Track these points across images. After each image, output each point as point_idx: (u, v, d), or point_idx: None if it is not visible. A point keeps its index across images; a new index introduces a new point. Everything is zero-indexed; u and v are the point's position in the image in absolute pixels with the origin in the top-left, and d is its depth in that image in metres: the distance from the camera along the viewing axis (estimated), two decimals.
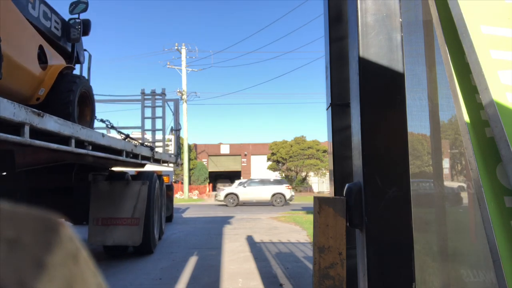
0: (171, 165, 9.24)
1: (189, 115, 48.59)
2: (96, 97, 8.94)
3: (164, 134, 9.27)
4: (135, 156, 5.81)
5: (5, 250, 0.23)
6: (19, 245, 0.24)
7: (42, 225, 0.26)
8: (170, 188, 10.86)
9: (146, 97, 9.27)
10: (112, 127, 6.22)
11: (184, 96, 29.22)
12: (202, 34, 67.08)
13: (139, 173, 6.98)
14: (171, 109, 9.74)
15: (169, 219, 10.91)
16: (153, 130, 9.23)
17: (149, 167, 9.18)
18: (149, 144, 8.58)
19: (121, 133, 6.41)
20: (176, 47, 30.46)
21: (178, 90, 29.26)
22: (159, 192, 7.44)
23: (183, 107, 29.16)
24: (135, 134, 9.49)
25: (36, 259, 0.24)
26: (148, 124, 9.28)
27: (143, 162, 6.33)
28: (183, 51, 30.56)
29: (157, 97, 9.26)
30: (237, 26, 67.71)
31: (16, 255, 0.24)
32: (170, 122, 10.26)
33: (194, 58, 32.13)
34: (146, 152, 6.39)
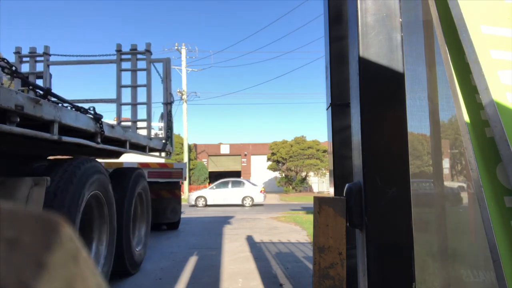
0: (152, 153, 6.30)
1: (189, 115, 48.63)
2: (52, 58, 6.11)
3: (149, 109, 6.23)
4: (43, 125, 2.93)
5: (5, 250, 0.23)
6: (19, 245, 0.24)
7: (42, 225, 0.26)
8: (177, 186, 8.77)
9: (123, 56, 6.20)
10: (12, 72, 2.96)
11: (184, 96, 29.23)
12: (202, 34, 67.14)
13: (52, 162, 3.75)
14: (159, 74, 6.47)
15: (175, 225, 9.27)
16: (134, 104, 6.19)
17: (138, 158, 7.04)
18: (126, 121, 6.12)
19: (28, 84, 3.73)
20: (176, 47, 30.46)
21: (178, 90, 29.27)
22: (111, 199, 4.24)
23: (183, 107, 29.18)
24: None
25: (36, 259, 0.24)
26: (126, 95, 6.22)
27: (70, 140, 3.26)
28: (183, 51, 30.56)
29: (139, 56, 6.21)
30: (237, 26, 67.77)
31: (16, 255, 0.24)
32: (159, 94, 6.80)
33: (194, 58, 32.25)
34: (77, 122, 3.29)
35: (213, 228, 10.02)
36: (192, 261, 5.87)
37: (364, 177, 1.35)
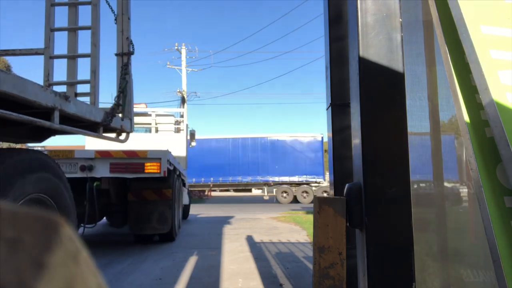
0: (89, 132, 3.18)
1: (189, 115, 48.57)
2: None
3: (94, 64, 3.35)
4: None
5: (5, 250, 0.23)
6: (19, 245, 0.24)
7: (42, 225, 0.26)
8: (166, 184, 6.18)
9: None
10: None
11: (184, 96, 29.24)
12: (202, 34, 67.13)
13: None
14: (112, 10, 3.83)
15: (167, 237, 7.02)
16: (71, 57, 3.45)
17: (102, 145, 4.74)
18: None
19: None
20: (176, 47, 30.45)
21: (178, 90, 29.31)
22: None
23: (184, 107, 29.19)
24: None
25: (36, 259, 0.24)
26: (61, 45, 3.60)
27: None
28: (183, 51, 30.55)
29: None
30: (237, 26, 67.77)
31: (16, 255, 0.24)
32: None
33: (194, 58, 32.13)
34: None
35: (213, 228, 10.02)
36: (192, 261, 5.87)
37: (364, 177, 1.35)
